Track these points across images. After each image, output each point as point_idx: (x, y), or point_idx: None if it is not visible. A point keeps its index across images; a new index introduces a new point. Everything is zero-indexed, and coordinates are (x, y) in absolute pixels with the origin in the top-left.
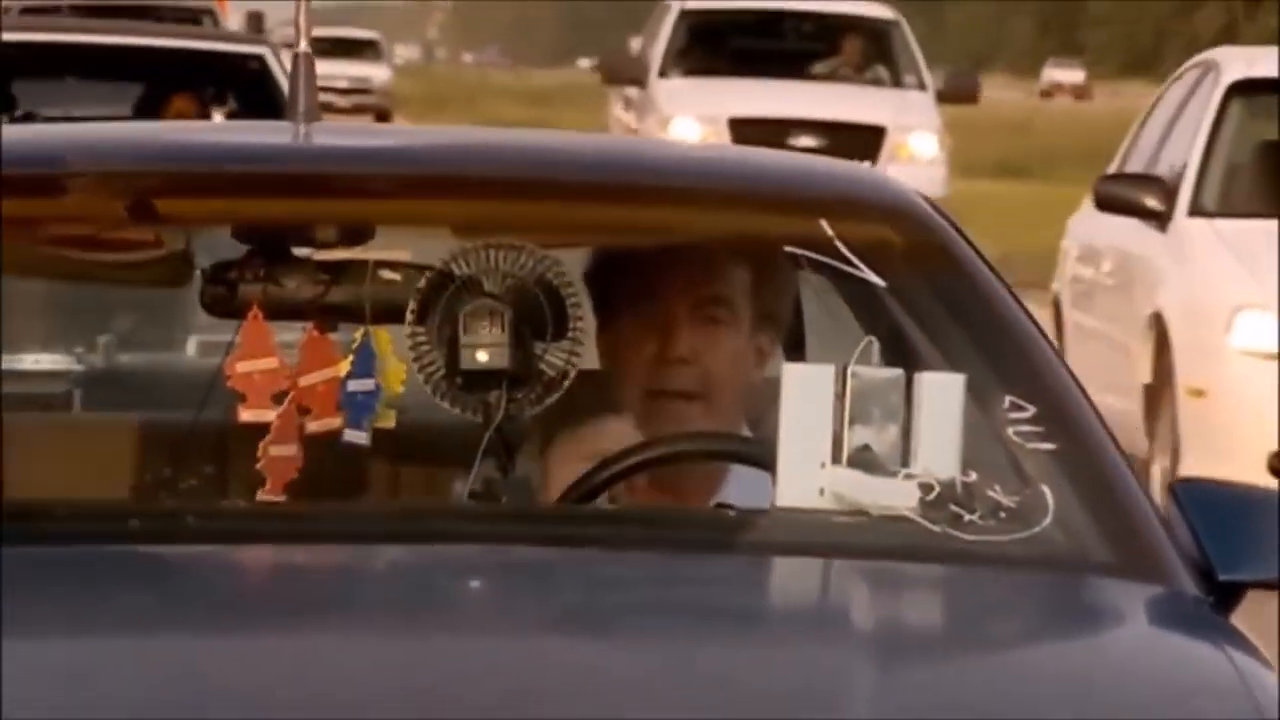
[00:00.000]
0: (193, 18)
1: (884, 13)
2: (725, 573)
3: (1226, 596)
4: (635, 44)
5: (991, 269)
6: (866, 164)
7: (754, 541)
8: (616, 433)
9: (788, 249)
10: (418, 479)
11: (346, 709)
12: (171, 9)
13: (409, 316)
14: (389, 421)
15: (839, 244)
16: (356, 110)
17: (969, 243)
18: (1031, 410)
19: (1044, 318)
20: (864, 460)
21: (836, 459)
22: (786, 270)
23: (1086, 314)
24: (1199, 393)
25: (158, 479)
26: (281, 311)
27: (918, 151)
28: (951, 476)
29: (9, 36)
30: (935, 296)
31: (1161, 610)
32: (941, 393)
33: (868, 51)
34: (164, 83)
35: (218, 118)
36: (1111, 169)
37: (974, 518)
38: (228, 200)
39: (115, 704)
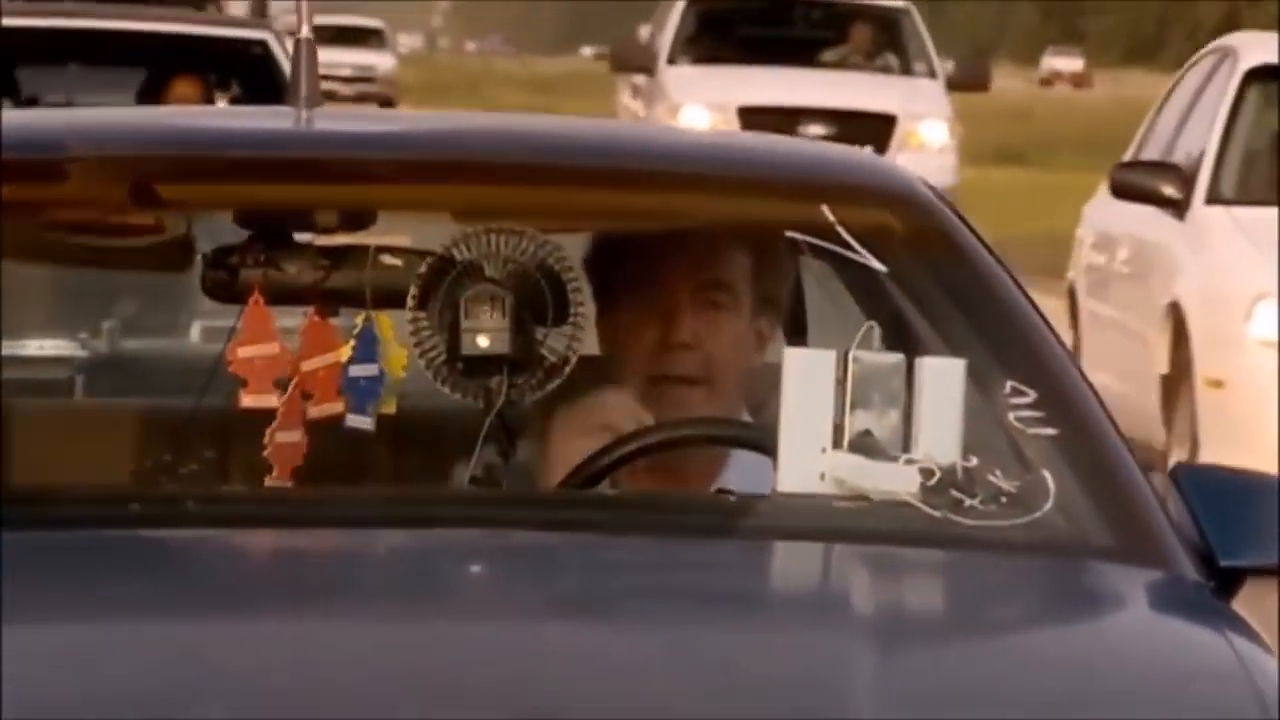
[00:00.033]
0: (195, 2)
1: (893, 0)
2: (726, 558)
3: (1227, 582)
4: (644, 31)
5: (993, 254)
6: (868, 149)
7: (755, 526)
8: (617, 406)
9: (789, 234)
10: (419, 464)
11: (347, 693)
12: None
13: (410, 302)
14: (390, 407)
15: (840, 229)
16: (360, 99)
17: (970, 228)
18: (1032, 395)
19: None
20: (865, 445)
21: (837, 444)
22: (786, 254)
23: (1102, 303)
24: (1218, 383)
25: (158, 464)
26: (283, 296)
27: (928, 140)
28: (952, 462)
29: (12, 22)
30: (936, 281)
31: (1162, 595)
32: (942, 378)
33: (877, 39)
34: (167, 68)
35: (221, 103)
36: (1127, 156)
37: (975, 503)
38: (229, 185)
39: (116, 688)
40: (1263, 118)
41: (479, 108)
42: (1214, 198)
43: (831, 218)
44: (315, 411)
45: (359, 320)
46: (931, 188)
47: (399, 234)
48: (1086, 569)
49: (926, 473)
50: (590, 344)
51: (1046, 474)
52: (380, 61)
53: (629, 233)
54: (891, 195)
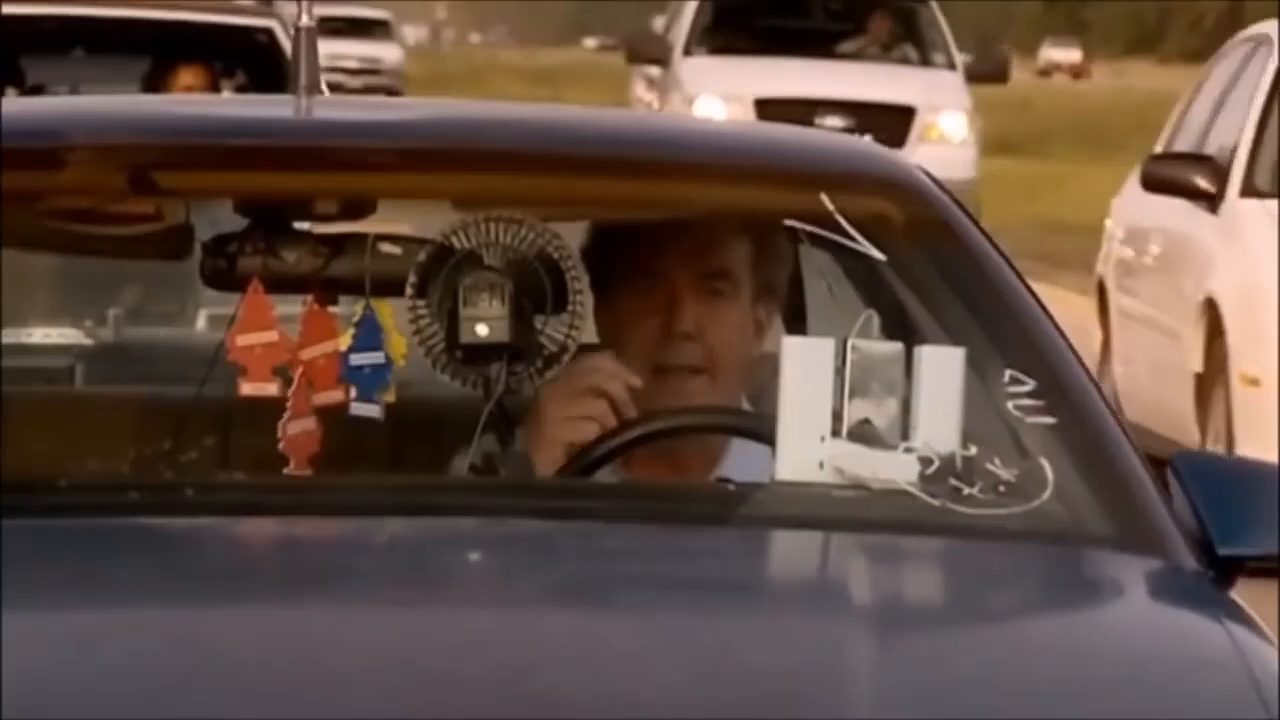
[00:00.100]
0: None
1: None
2: (725, 546)
3: (1226, 571)
4: (658, 22)
5: (992, 242)
6: (867, 138)
7: (753, 515)
8: (602, 368)
9: (789, 223)
10: (418, 452)
11: (345, 680)
12: None
13: (409, 290)
14: (389, 395)
15: (839, 218)
16: (366, 90)
17: (969, 216)
18: (1031, 384)
19: (1046, 293)
20: (864, 434)
21: (836, 433)
22: (784, 241)
23: (1134, 299)
24: (1254, 381)
25: (158, 452)
26: (282, 285)
27: (948, 132)
28: (951, 450)
29: (17, 10)
30: (935, 270)
31: (1160, 584)
32: (941, 366)
33: (895, 30)
34: (172, 56)
35: (226, 91)
36: (1158, 148)
37: (973, 491)
38: (228, 173)
39: (115, 674)
40: None
41: (482, 98)
42: (1249, 190)
43: (831, 206)
44: (316, 400)
45: (358, 308)
46: (930, 175)
47: (398, 222)
48: (1085, 557)
49: (925, 461)
50: (589, 333)
51: (1045, 462)
52: (387, 53)
53: (626, 222)
54: (891, 184)
